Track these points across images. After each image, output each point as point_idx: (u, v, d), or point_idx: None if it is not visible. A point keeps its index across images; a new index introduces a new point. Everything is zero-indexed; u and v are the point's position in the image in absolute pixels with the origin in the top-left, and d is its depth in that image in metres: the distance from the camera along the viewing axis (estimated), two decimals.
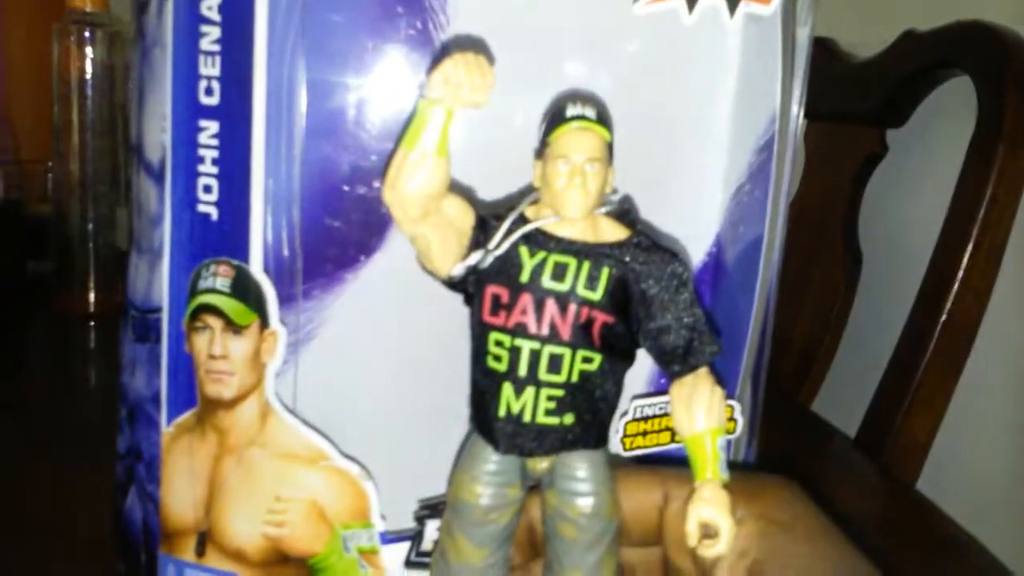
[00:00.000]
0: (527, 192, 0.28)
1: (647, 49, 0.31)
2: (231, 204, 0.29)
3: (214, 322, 0.29)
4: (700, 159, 0.34)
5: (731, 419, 0.37)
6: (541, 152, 0.27)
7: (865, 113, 0.88)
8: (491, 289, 0.26)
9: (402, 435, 0.31)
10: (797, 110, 0.35)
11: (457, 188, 0.27)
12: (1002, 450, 0.84)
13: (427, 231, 0.26)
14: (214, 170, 0.29)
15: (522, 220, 0.27)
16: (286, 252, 0.29)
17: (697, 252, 0.35)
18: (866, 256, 0.88)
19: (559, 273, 0.26)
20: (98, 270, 0.72)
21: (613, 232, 0.27)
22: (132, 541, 0.34)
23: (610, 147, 0.27)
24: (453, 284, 0.27)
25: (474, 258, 0.26)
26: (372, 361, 0.31)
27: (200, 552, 0.31)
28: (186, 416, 0.31)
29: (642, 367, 0.33)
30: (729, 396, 0.36)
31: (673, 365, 0.27)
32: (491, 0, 0.29)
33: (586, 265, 0.26)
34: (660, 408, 0.35)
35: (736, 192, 0.35)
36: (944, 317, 0.69)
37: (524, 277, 0.26)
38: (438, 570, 0.29)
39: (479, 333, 0.27)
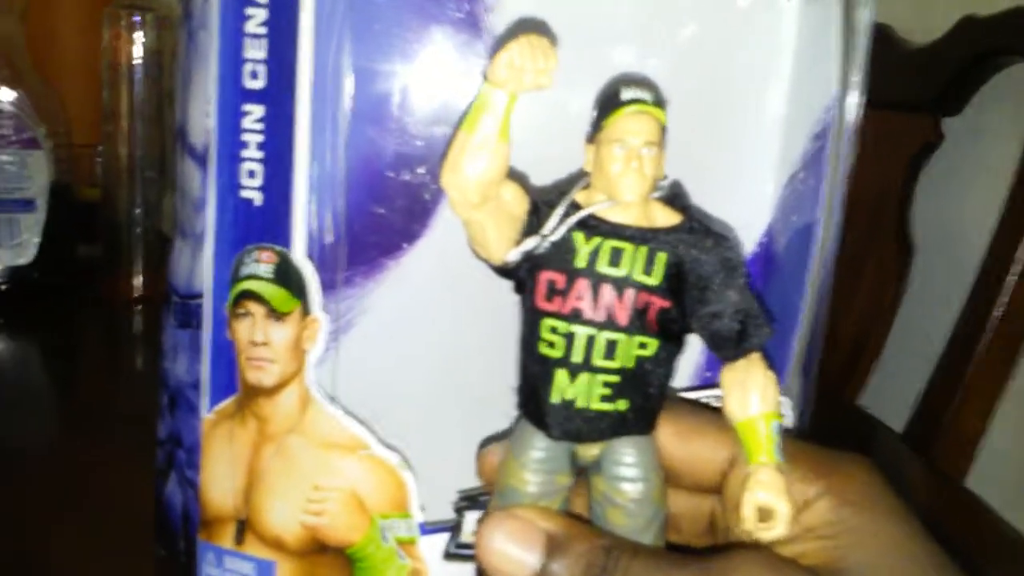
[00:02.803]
0: (576, 177, 0.27)
1: (700, 33, 0.31)
2: (275, 189, 0.29)
3: (256, 308, 0.29)
4: (753, 146, 0.33)
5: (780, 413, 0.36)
6: (593, 136, 0.26)
7: (921, 101, 0.86)
8: (546, 275, 0.26)
9: (442, 424, 0.31)
10: (856, 96, 0.34)
11: (512, 173, 0.26)
12: None
13: (484, 217, 0.26)
14: (258, 155, 0.29)
15: (574, 205, 0.26)
16: (329, 238, 0.29)
17: (748, 241, 0.34)
18: (919, 246, 0.86)
19: (616, 258, 0.26)
20: (145, 255, 0.73)
21: (666, 217, 0.27)
22: (172, 527, 0.34)
23: (664, 131, 0.26)
24: (505, 270, 0.27)
25: (529, 244, 0.26)
26: (413, 349, 0.31)
27: (239, 540, 0.31)
28: (226, 403, 0.31)
29: (686, 362, 0.32)
30: (781, 392, 0.35)
31: (726, 350, 0.27)
32: None
33: (643, 251, 0.26)
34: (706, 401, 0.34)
35: (790, 180, 0.34)
36: (999, 309, 0.68)
37: (580, 262, 0.26)
38: None
39: (532, 319, 0.27)
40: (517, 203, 0.26)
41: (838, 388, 0.84)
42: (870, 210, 0.88)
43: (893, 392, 0.79)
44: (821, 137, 0.34)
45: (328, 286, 0.29)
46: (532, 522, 0.27)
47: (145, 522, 0.37)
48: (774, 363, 0.35)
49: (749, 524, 0.26)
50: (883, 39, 0.89)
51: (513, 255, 0.26)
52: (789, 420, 0.36)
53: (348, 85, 0.28)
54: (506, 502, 0.28)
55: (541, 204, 0.26)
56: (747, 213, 0.34)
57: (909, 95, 0.87)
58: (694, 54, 0.31)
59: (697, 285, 0.26)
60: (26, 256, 0.71)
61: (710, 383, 0.34)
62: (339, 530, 0.31)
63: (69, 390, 0.61)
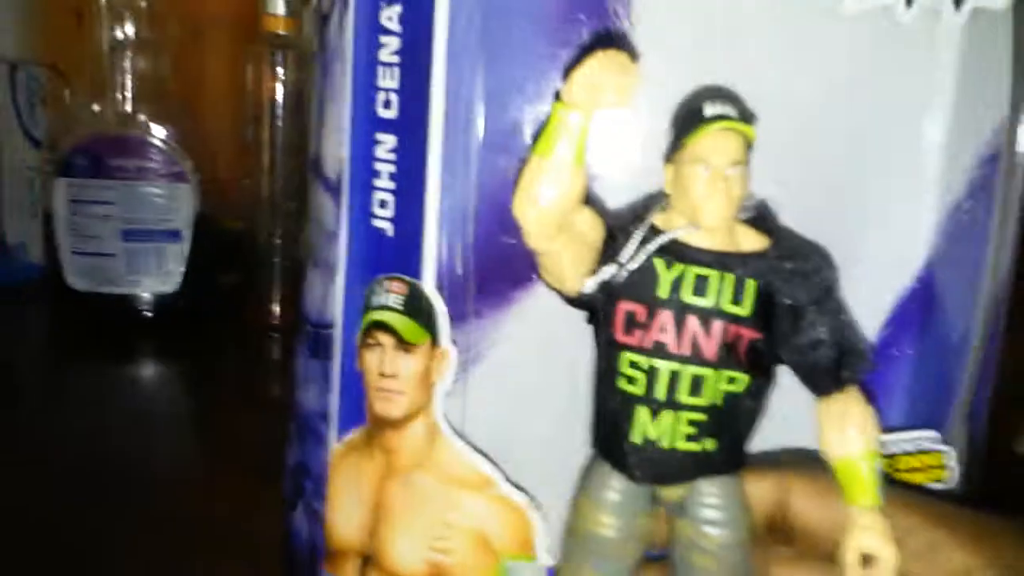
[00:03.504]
0: (654, 199, 0.25)
1: (855, 51, 0.29)
2: (406, 220, 0.28)
3: (385, 339, 0.29)
4: (913, 172, 0.31)
5: (943, 466, 0.33)
6: (672, 155, 0.25)
7: None
8: (625, 306, 0.24)
9: (571, 464, 0.29)
10: None
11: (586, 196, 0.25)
12: None
13: (559, 247, 0.25)
14: (390, 185, 0.28)
15: (653, 230, 0.25)
16: (459, 270, 0.28)
17: (905, 277, 0.32)
18: None
19: (701, 287, 0.24)
20: (283, 284, 0.75)
21: (752, 241, 0.25)
22: (298, 558, 0.34)
23: (751, 147, 0.24)
24: (579, 301, 0.26)
25: (606, 273, 0.25)
26: (543, 385, 0.30)
27: (362, 574, 0.31)
28: (354, 434, 0.30)
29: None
30: (942, 440, 0.33)
31: (822, 383, 0.25)
32: (679, 2, 0.27)
33: (730, 278, 0.24)
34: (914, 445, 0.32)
35: (954, 210, 0.31)
36: None
37: (662, 292, 0.24)
38: None
39: (609, 353, 0.25)
40: (592, 229, 0.25)
41: (1007, 437, 0.77)
42: None
43: None
44: (991, 163, 0.31)
45: (458, 317, 0.28)
46: None
47: (270, 554, 0.37)
48: (934, 413, 0.33)
49: (852, 572, 0.25)
50: None
51: (589, 286, 0.25)
52: (954, 473, 0.33)
53: (481, 114, 0.27)
54: (582, 547, 0.26)
55: (617, 230, 0.25)
56: (904, 245, 0.31)
57: None
58: (848, 75, 0.29)
59: (790, 314, 0.24)
60: (171, 284, 0.74)
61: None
62: (465, 570, 0.30)
63: (208, 416, 0.62)
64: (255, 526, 0.43)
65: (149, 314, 0.74)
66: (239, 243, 0.77)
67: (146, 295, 0.74)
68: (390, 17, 0.28)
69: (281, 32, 0.71)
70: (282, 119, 0.73)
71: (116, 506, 0.46)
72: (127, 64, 0.72)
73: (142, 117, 0.73)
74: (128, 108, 0.73)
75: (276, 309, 0.75)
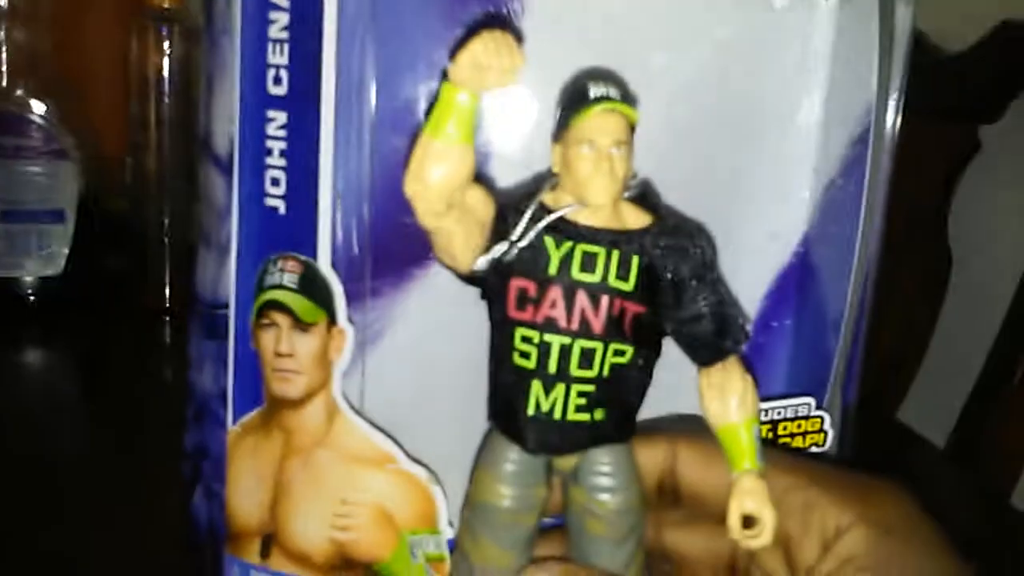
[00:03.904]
0: (543, 178, 0.26)
1: (735, 34, 0.30)
2: (299, 198, 0.28)
3: (281, 319, 0.29)
4: (788, 151, 0.32)
5: (820, 431, 0.35)
6: (560, 135, 0.25)
7: (956, 108, 0.84)
8: (516, 282, 0.25)
9: (471, 438, 0.30)
10: (896, 99, 0.33)
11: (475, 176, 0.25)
12: None
13: (450, 224, 0.25)
14: (282, 163, 0.28)
15: (542, 208, 0.25)
16: (355, 248, 0.28)
17: (783, 252, 0.33)
18: (957, 256, 0.85)
19: (589, 264, 0.25)
20: (174, 266, 0.73)
21: (637, 218, 0.26)
22: (198, 540, 0.34)
23: (633, 128, 0.25)
24: (472, 279, 0.26)
25: (498, 250, 0.25)
26: (441, 361, 0.30)
27: (264, 554, 0.31)
28: (252, 415, 0.30)
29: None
30: (818, 406, 0.34)
31: (703, 353, 0.26)
32: None
33: (616, 254, 0.25)
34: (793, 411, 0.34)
35: (827, 187, 0.33)
36: None
37: (552, 269, 0.25)
38: (460, 574, 0.28)
39: (503, 329, 0.26)
40: (483, 208, 0.25)
41: (877, 403, 0.82)
42: (907, 220, 0.86)
43: (933, 407, 0.77)
44: (861, 142, 0.33)
45: (354, 296, 0.29)
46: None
47: (174, 533, 0.37)
48: (812, 380, 0.35)
49: (735, 532, 0.26)
50: (917, 46, 0.88)
51: (481, 263, 0.25)
52: (830, 437, 0.35)
53: (372, 92, 0.27)
54: (483, 518, 0.27)
55: (508, 208, 0.26)
56: (783, 221, 0.33)
57: (944, 103, 0.85)
58: (729, 56, 0.30)
59: (671, 288, 0.25)
60: (55, 267, 0.71)
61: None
62: (367, 546, 0.30)
63: (98, 401, 0.61)
64: (154, 511, 0.43)
65: (33, 298, 0.71)
66: (126, 224, 0.74)
67: (29, 279, 0.71)
68: None
69: (166, 5, 0.69)
70: (169, 95, 0.70)
71: (6, 495, 0.45)
72: (1, 35, 0.69)
73: (19, 92, 0.69)
74: (4, 83, 0.69)
75: (167, 291, 0.73)
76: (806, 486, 0.28)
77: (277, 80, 0.28)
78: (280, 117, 0.28)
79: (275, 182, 0.28)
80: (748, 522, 0.26)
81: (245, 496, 0.31)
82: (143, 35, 0.69)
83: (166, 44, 0.69)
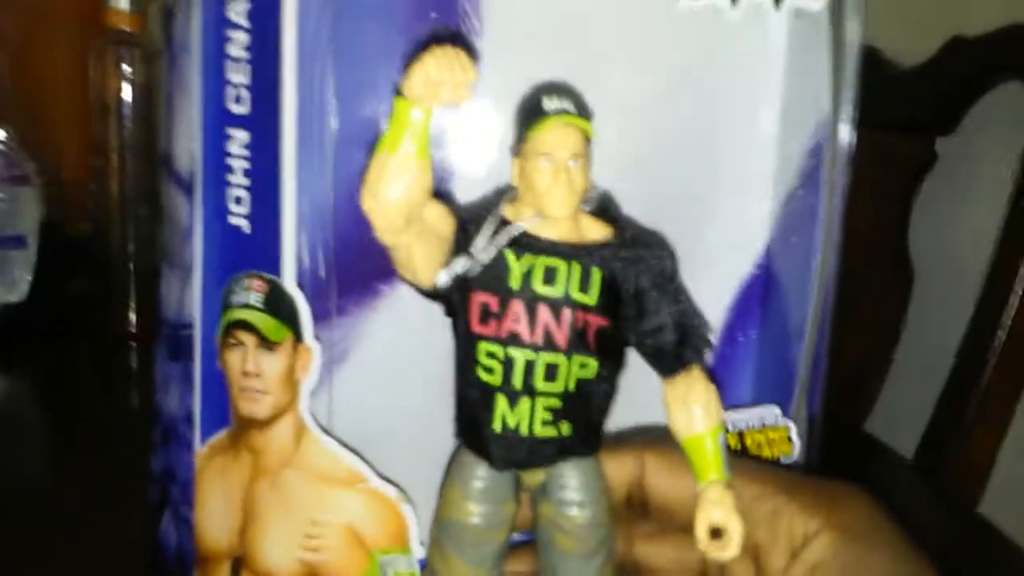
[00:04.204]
0: (502, 192, 0.26)
1: (688, 50, 0.30)
2: (263, 216, 0.28)
3: (247, 338, 0.29)
4: (747, 164, 0.33)
5: (787, 440, 0.35)
6: (518, 149, 0.26)
7: (913, 121, 0.86)
8: (479, 297, 0.25)
9: (441, 455, 0.30)
10: (849, 111, 0.34)
11: (435, 192, 0.26)
12: None
13: (409, 240, 0.25)
14: (245, 181, 0.28)
15: (502, 222, 0.25)
16: (320, 265, 0.28)
17: (746, 264, 0.34)
18: (918, 268, 0.86)
19: (550, 277, 0.25)
20: (138, 290, 0.72)
21: (597, 231, 0.26)
22: (168, 565, 0.33)
23: (589, 141, 0.25)
24: (434, 294, 0.26)
25: (459, 265, 0.25)
26: (409, 378, 0.30)
27: None
28: (220, 436, 0.30)
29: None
30: (784, 415, 0.35)
31: (666, 364, 0.27)
32: (525, 3, 0.28)
33: (577, 267, 0.25)
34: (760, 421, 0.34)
35: (787, 199, 0.33)
36: (1004, 330, 0.67)
37: (514, 283, 0.25)
38: None
39: (467, 344, 0.26)
40: (442, 223, 0.25)
41: (844, 414, 0.83)
42: (867, 232, 0.88)
43: (900, 418, 0.78)
44: (816, 154, 0.33)
45: (321, 315, 0.28)
46: None
47: (141, 560, 0.36)
48: (777, 389, 0.35)
49: (703, 544, 0.26)
50: (873, 62, 0.90)
51: (442, 278, 0.25)
52: (797, 446, 0.35)
53: (333, 108, 0.27)
54: (451, 535, 0.27)
55: (468, 223, 0.26)
56: (745, 234, 0.33)
57: (902, 116, 0.87)
58: (684, 71, 0.31)
59: (633, 300, 0.26)
60: (17, 294, 0.70)
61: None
62: (338, 567, 0.30)
63: (63, 428, 0.60)
64: (120, 538, 0.42)
65: None
66: (89, 249, 0.74)
67: None
68: (238, 12, 0.27)
69: (126, 28, 0.68)
70: (130, 118, 0.70)
71: None
72: None
73: None
74: None
75: (132, 317, 0.72)
76: (773, 495, 0.28)
77: (238, 99, 0.28)
78: (241, 135, 0.28)
79: (238, 200, 0.28)
80: (716, 533, 0.26)
81: (214, 518, 0.30)
82: (103, 59, 0.69)
83: (126, 67, 0.69)
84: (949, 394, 0.70)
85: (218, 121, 0.28)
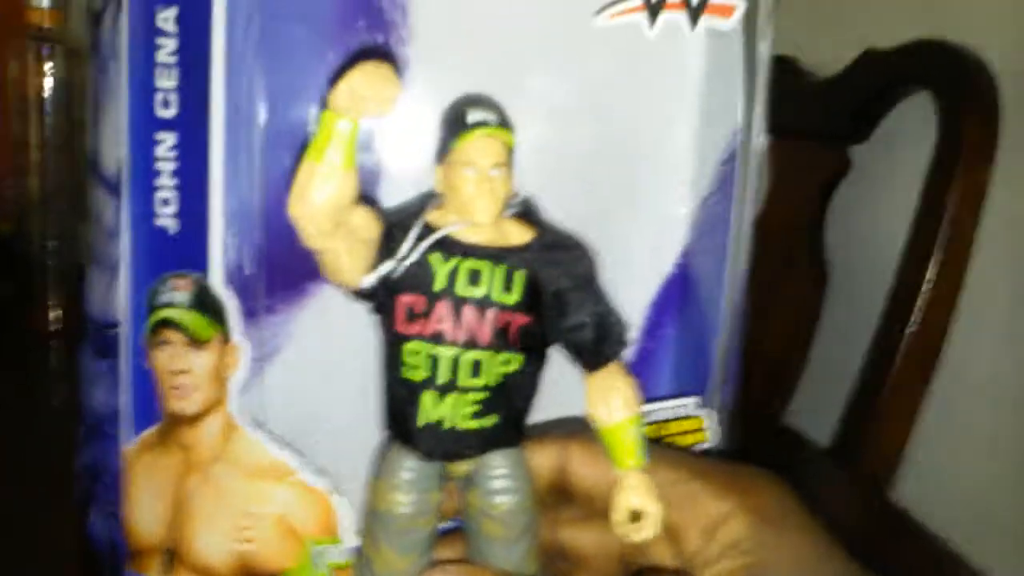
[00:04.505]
0: (427, 197, 0.27)
1: (609, 63, 0.31)
2: (190, 217, 0.28)
3: (174, 336, 0.29)
4: (665, 170, 0.34)
5: (702, 429, 0.36)
6: (443, 158, 0.26)
7: (828, 130, 0.89)
8: (404, 299, 0.26)
9: (371, 448, 0.31)
10: (759, 121, 0.36)
11: (361, 196, 0.26)
12: (979, 458, 0.84)
13: (336, 244, 0.26)
14: (172, 183, 0.28)
15: (427, 227, 0.26)
16: (247, 264, 0.29)
17: (665, 264, 0.35)
18: (833, 270, 0.89)
19: (474, 279, 0.26)
20: (60, 288, 0.70)
21: (519, 234, 0.27)
22: (99, 559, 0.33)
23: (511, 151, 0.26)
24: (361, 295, 0.27)
25: (385, 268, 0.26)
26: (339, 374, 0.30)
27: (167, 569, 0.30)
28: (149, 432, 0.30)
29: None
30: (701, 406, 0.36)
31: (587, 360, 0.28)
32: (452, 15, 0.29)
33: (500, 269, 0.26)
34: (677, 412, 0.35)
35: (702, 203, 0.35)
36: (911, 328, 0.70)
37: (438, 285, 0.26)
38: None
39: (393, 342, 0.27)
40: (368, 227, 0.26)
41: (763, 407, 0.85)
42: (784, 235, 0.90)
43: (817, 410, 0.81)
44: (729, 162, 0.35)
45: (249, 313, 0.29)
46: None
47: (67, 556, 0.36)
48: (694, 381, 0.36)
49: (621, 527, 0.27)
50: (790, 71, 0.93)
51: (368, 280, 0.26)
52: (713, 434, 0.37)
53: (262, 112, 0.28)
54: (382, 525, 0.28)
55: (394, 227, 0.26)
56: (664, 236, 0.35)
57: (817, 125, 0.90)
58: (604, 83, 0.32)
59: (554, 299, 0.27)
60: None
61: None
62: (271, 557, 0.30)
63: None
64: (46, 534, 0.41)
65: None
66: (10, 247, 0.72)
67: None
68: (166, 19, 0.28)
69: (46, 25, 0.67)
70: (51, 115, 0.69)
71: None
72: None
73: None
74: None
75: (55, 315, 0.71)
76: (688, 479, 0.29)
77: (166, 104, 0.28)
78: (169, 139, 0.28)
79: (165, 202, 0.29)
80: (636, 516, 0.27)
81: (145, 512, 0.30)
82: (23, 55, 0.67)
83: (47, 64, 0.67)
84: (861, 387, 0.73)
85: (146, 126, 0.28)
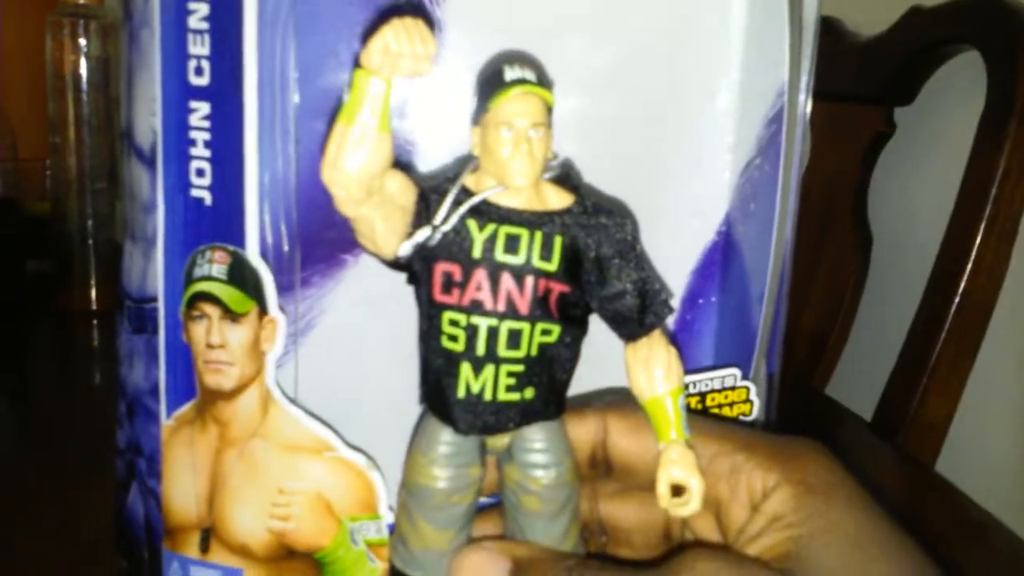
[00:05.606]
0: (464, 161, 0.26)
1: (650, 21, 0.31)
2: (225, 188, 0.28)
3: (211, 310, 0.29)
4: (707, 134, 0.33)
5: (747, 400, 0.36)
6: (479, 118, 0.26)
7: (872, 92, 0.87)
8: (441, 266, 0.25)
9: (408, 423, 0.30)
10: (806, 81, 0.34)
11: (396, 162, 0.26)
12: (1019, 431, 0.83)
13: (370, 211, 0.25)
14: (206, 153, 0.28)
15: (464, 191, 0.25)
16: (284, 236, 0.28)
17: (707, 231, 0.34)
18: (877, 237, 0.87)
19: (512, 246, 0.25)
20: (98, 266, 0.71)
21: (558, 199, 0.26)
22: (135, 538, 0.34)
23: (550, 110, 0.25)
24: (397, 264, 0.26)
25: (421, 235, 0.25)
26: (375, 347, 0.30)
27: (204, 548, 0.30)
28: (186, 408, 0.30)
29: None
30: (744, 377, 0.36)
31: (628, 329, 0.27)
32: None
33: (539, 235, 0.25)
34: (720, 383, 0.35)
35: (746, 168, 0.34)
36: (958, 298, 0.68)
37: (476, 252, 0.25)
38: (399, 556, 0.28)
39: (430, 312, 0.26)
40: (404, 193, 0.26)
41: (805, 378, 0.84)
42: (827, 201, 0.89)
43: (860, 381, 0.79)
44: (775, 123, 0.34)
45: (285, 285, 0.29)
46: (498, 553, 0.27)
47: (106, 535, 0.36)
48: (737, 352, 0.36)
49: (664, 501, 0.27)
50: (833, 32, 0.90)
51: (405, 248, 0.25)
52: (756, 406, 0.36)
53: (295, 79, 0.27)
54: (418, 500, 0.27)
55: (429, 192, 0.26)
56: (705, 201, 0.34)
57: (861, 87, 0.88)
58: (645, 42, 0.31)
59: (595, 266, 0.26)
60: None
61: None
62: (307, 534, 0.30)
63: (25, 406, 0.59)
64: (86, 513, 0.42)
65: None
66: (48, 226, 0.73)
67: None
68: None
69: (82, 2, 0.67)
70: (87, 93, 0.69)
71: None
72: None
73: None
74: None
75: (93, 293, 0.72)
76: (732, 452, 0.29)
77: (199, 71, 0.28)
78: (203, 107, 0.28)
79: (200, 172, 0.28)
80: (677, 490, 0.27)
81: (182, 490, 0.30)
82: (58, 33, 0.68)
83: (83, 41, 0.68)
84: (906, 359, 0.72)
85: (179, 94, 0.28)
